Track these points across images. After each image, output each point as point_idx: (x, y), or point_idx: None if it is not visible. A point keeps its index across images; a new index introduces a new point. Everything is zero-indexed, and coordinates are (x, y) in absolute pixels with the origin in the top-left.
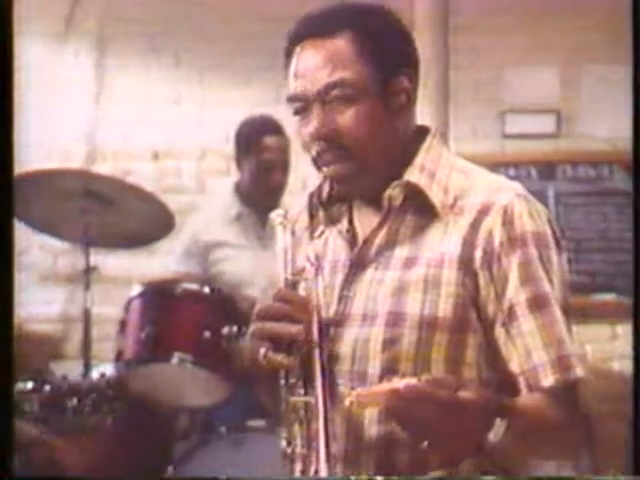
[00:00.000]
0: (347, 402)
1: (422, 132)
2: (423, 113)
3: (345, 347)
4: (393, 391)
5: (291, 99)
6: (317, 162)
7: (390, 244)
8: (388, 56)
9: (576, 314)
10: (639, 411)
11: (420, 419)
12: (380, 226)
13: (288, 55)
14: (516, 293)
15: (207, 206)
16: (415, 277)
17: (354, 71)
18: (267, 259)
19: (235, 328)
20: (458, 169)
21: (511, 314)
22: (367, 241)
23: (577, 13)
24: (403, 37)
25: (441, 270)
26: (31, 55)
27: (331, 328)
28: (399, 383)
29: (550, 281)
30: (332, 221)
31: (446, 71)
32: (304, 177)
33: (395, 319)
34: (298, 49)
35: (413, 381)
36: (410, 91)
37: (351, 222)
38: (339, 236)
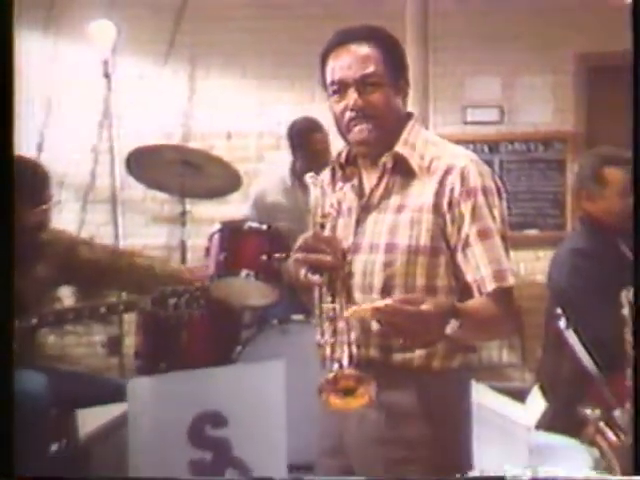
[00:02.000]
0: (347, 314)
1: (407, 116)
2: (412, 106)
3: (358, 268)
4: (377, 308)
5: (332, 83)
6: (347, 128)
7: (386, 196)
8: (396, 65)
9: (512, 243)
10: (639, 411)
11: (397, 325)
12: (378, 183)
13: (325, 56)
14: (469, 227)
15: (266, 173)
16: (404, 219)
17: (379, 67)
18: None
19: (284, 254)
20: (431, 142)
21: (466, 242)
22: (371, 194)
23: (514, 39)
24: (402, 57)
25: (421, 214)
26: (143, 69)
27: (349, 255)
28: (380, 302)
29: (493, 219)
30: (347, 179)
31: (427, 78)
32: None
33: (391, 248)
34: (334, 52)
35: (390, 301)
36: (406, 93)
37: (360, 180)
38: (352, 190)
